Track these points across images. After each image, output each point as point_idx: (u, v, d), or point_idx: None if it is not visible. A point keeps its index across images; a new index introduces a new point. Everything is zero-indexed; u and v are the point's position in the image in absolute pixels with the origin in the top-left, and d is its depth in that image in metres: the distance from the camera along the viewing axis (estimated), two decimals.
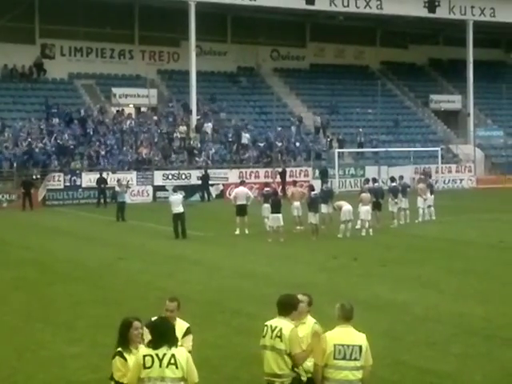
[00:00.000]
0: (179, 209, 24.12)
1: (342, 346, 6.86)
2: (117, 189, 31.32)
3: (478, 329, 12.37)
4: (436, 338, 11.78)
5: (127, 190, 32.51)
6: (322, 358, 6.87)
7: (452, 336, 11.95)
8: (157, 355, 6.42)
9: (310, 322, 7.40)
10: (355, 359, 6.88)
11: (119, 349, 6.75)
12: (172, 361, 6.41)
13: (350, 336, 6.95)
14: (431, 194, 28.56)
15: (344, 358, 6.85)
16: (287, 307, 7.13)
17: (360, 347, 6.91)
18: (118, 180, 32.91)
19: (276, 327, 7.03)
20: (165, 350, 6.43)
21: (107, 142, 41.67)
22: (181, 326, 7.42)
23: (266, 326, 7.15)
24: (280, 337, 6.96)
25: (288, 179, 39.88)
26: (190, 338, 7.43)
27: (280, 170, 41.70)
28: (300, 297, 7.41)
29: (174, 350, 6.45)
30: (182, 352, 6.51)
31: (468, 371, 10.29)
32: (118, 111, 45.05)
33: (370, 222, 24.66)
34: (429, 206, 28.26)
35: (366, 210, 24.59)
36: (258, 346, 7.35)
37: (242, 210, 25.27)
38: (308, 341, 7.13)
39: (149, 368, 6.41)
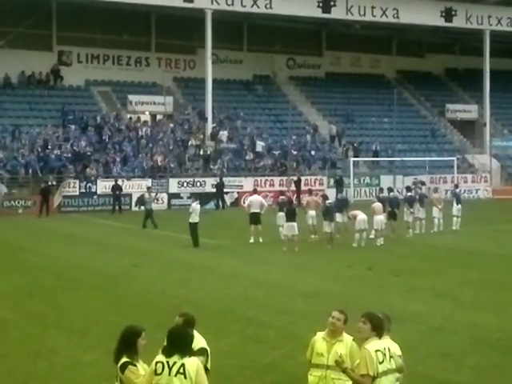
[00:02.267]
0: (198, 218, 24.14)
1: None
2: (146, 196, 31.21)
3: (494, 340, 12.28)
4: (451, 350, 11.71)
5: (154, 198, 32.31)
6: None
7: (467, 347, 11.87)
8: (167, 363, 6.44)
9: (347, 339, 7.19)
10: None
11: (126, 359, 6.60)
12: (181, 370, 6.40)
13: (393, 347, 6.90)
14: (457, 204, 28.45)
15: None
16: (384, 327, 6.84)
17: (400, 357, 6.90)
18: (149, 188, 33.04)
19: (385, 348, 6.72)
20: (176, 359, 6.43)
21: (123, 149, 41.84)
22: (194, 345, 6.97)
23: (379, 350, 6.68)
24: (393, 357, 6.72)
25: (303, 188, 39.84)
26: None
27: (295, 178, 41.67)
28: (336, 314, 7.21)
29: (185, 360, 6.43)
30: (192, 362, 6.47)
31: (483, 383, 10.21)
32: (131, 118, 45.19)
33: (383, 231, 24.56)
34: (454, 216, 28.18)
35: (379, 220, 24.50)
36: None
37: (255, 219, 25.24)
38: (348, 359, 6.95)
39: (159, 375, 6.43)
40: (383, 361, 6.66)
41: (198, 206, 24.66)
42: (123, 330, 6.80)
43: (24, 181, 37.95)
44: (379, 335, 6.77)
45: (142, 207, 31.79)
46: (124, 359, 6.61)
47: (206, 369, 7.01)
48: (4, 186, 36.25)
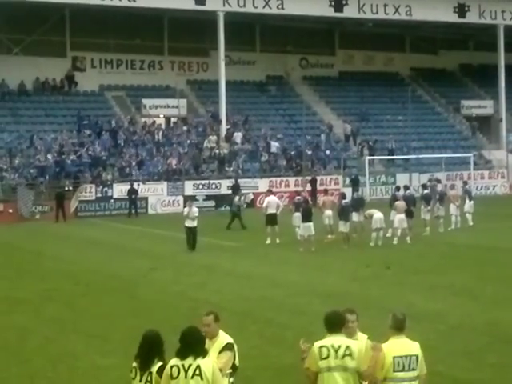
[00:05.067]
0: None
1: (401, 357, 6.75)
2: (236, 198, 31.14)
3: None
4: (471, 347, 11.64)
5: (244, 202, 32.74)
6: (381, 372, 6.73)
7: (487, 345, 11.80)
8: (183, 366, 6.43)
9: (362, 338, 7.18)
10: (413, 369, 6.80)
11: (161, 363, 6.58)
12: (197, 372, 6.40)
13: (407, 346, 6.85)
14: (470, 201, 28.34)
15: (403, 370, 6.75)
16: (339, 324, 6.88)
17: (417, 357, 6.83)
18: (240, 191, 33.81)
19: (340, 346, 6.72)
20: (191, 361, 6.43)
21: (138, 152, 41.96)
22: (221, 341, 7.10)
23: (325, 346, 6.73)
24: (350, 355, 6.69)
25: (319, 187, 39.74)
26: (225, 354, 7.01)
27: (310, 178, 41.56)
28: (350, 317, 7.14)
29: (199, 361, 6.44)
30: (207, 363, 6.48)
31: (504, 381, 10.16)
32: (145, 122, 45.29)
33: (404, 230, 24.44)
34: (467, 212, 28.05)
35: (400, 219, 24.37)
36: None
37: (272, 219, 25.21)
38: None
39: (175, 379, 6.43)
40: (327, 357, 6.67)
41: None
42: (148, 336, 6.73)
43: (41, 186, 38.08)
44: (332, 332, 6.78)
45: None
46: (159, 363, 6.59)
47: (234, 366, 7.07)
48: (31, 192, 36.25)
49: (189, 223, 23.53)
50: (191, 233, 23.53)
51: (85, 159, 40.14)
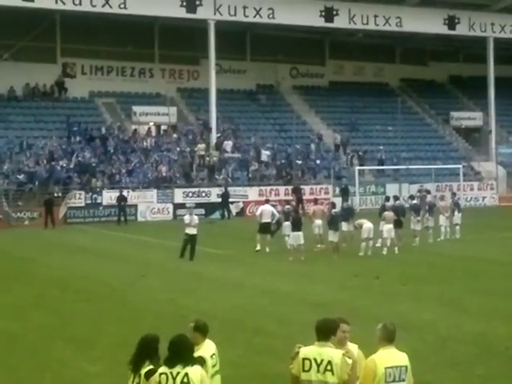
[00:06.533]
0: None
1: (392, 368, 6.75)
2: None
3: (502, 349, 12.21)
4: (459, 359, 11.65)
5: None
6: (372, 383, 6.71)
7: (475, 356, 11.81)
8: (171, 373, 6.45)
9: (353, 348, 7.15)
10: (403, 380, 6.80)
11: (151, 367, 6.61)
12: (185, 380, 6.42)
13: (396, 357, 6.84)
14: (458, 212, 28.44)
15: (394, 381, 6.74)
16: (328, 332, 6.85)
17: (406, 367, 6.84)
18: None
19: (322, 360, 6.70)
20: (179, 369, 6.45)
21: (128, 159, 41.88)
22: (198, 353, 6.92)
23: (308, 359, 6.73)
24: (331, 370, 6.67)
25: (309, 197, 39.70)
26: None
27: (293, 187, 41.39)
28: (346, 327, 7.10)
29: (187, 369, 6.45)
30: (196, 371, 6.50)
31: None
32: (135, 130, 45.23)
33: (393, 240, 24.49)
34: (455, 224, 28.14)
35: (388, 229, 24.44)
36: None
37: (265, 228, 25.18)
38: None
39: None
40: (309, 369, 6.69)
41: None
42: (143, 338, 6.81)
43: (30, 192, 37.96)
44: (320, 339, 6.77)
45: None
46: (149, 367, 6.61)
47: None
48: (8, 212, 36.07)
49: (190, 231, 23.31)
50: (191, 240, 23.32)
51: (74, 166, 40.02)
